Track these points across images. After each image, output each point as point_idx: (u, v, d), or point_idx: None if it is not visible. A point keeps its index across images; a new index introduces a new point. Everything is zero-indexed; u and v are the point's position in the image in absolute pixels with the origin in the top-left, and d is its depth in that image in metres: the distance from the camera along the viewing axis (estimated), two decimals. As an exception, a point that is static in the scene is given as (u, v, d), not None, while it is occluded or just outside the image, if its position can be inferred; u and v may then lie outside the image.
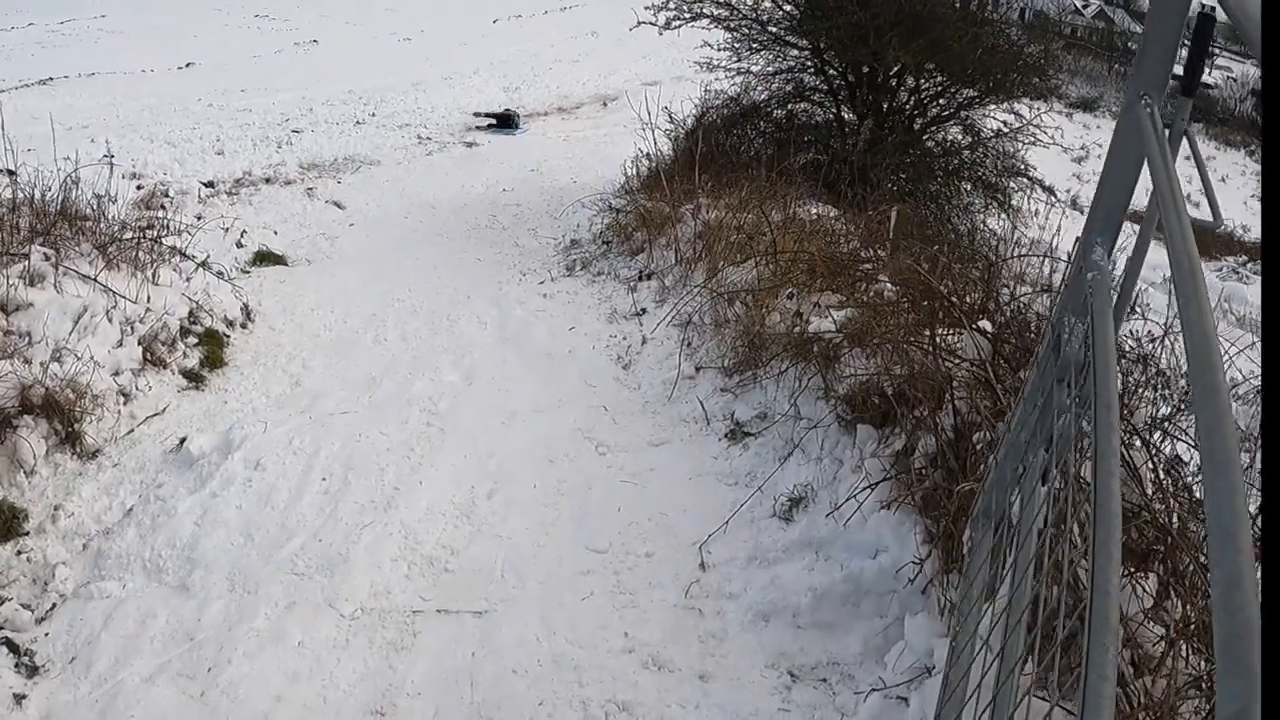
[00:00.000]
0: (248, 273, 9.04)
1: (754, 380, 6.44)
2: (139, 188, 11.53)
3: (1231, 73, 47.56)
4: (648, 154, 11.62)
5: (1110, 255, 2.56)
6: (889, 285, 6.64)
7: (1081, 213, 18.67)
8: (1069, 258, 6.10)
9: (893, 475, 4.79)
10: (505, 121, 17.65)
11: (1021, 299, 5.65)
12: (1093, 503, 1.87)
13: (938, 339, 5.05)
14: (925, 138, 12.94)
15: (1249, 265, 21.26)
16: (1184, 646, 3.05)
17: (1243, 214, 24.72)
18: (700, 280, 7.87)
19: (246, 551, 4.90)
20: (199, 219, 9.98)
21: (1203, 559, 3.53)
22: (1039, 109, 13.02)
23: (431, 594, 4.68)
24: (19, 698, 4.05)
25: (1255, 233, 23.60)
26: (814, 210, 9.27)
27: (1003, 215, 12.75)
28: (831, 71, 12.51)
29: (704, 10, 12.43)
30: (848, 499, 4.80)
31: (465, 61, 25.19)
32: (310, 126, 16.12)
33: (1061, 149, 14.58)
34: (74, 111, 16.07)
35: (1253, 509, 1.27)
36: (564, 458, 5.93)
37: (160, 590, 4.66)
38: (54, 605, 4.58)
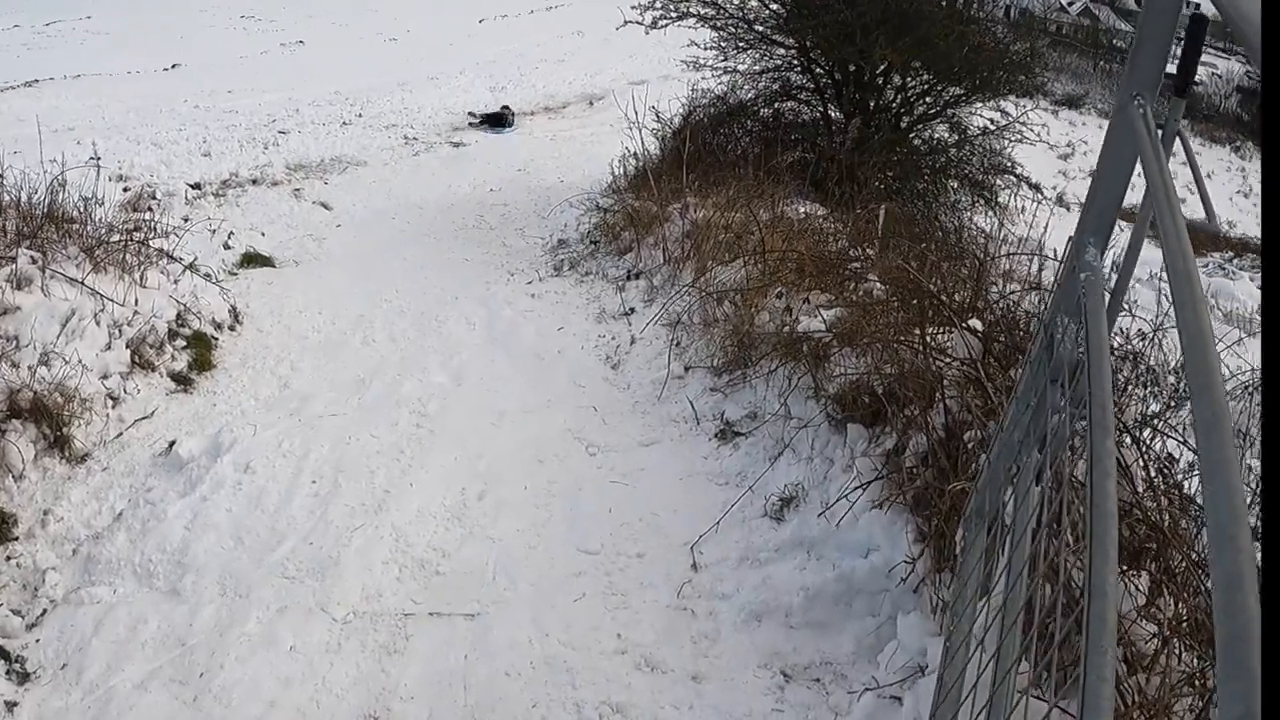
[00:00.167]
0: (235, 275, 9.01)
1: (743, 380, 6.44)
2: (125, 190, 11.47)
3: (1216, 69, 47.69)
4: (635, 153, 11.61)
5: (1103, 255, 2.56)
6: (878, 284, 6.64)
7: (1068, 210, 18.79)
8: (1055, 255, 6.12)
9: (884, 474, 4.79)
10: (498, 120, 17.69)
11: (1011, 297, 5.65)
12: (1089, 502, 1.88)
13: (928, 338, 5.05)
14: (912, 136, 12.95)
15: (1235, 261, 21.33)
16: (1177, 644, 3.05)
17: (1228, 210, 24.81)
18: (688, 280, 7.87)
19: (237, 555, 4.89)
20: (186, 221, 9.97)
21: (1195, 556, 3.54)
22: (1025, 106, 13.04)
23: (423, 597, 4.68)
24: (10, 705, 4.03)
25: (1241, 229, 23.71)
26: (802, 209, 9.27)
27: (990, 213, 12.77)
28: (818, 70, 12.51)
29: (690, 9, 12.42)
30: (839, 498, 4.81)
31: (451, 61, 25.10)
32: (297, 127, 16.06)
33: (1048, 146, 14.57)
34: (60, 113, 16.00)
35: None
36: (554, 458, 5.93)
37: (151, 595, 4.65)
38: (44, 611, 4.57)
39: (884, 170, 12.40)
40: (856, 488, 4.76)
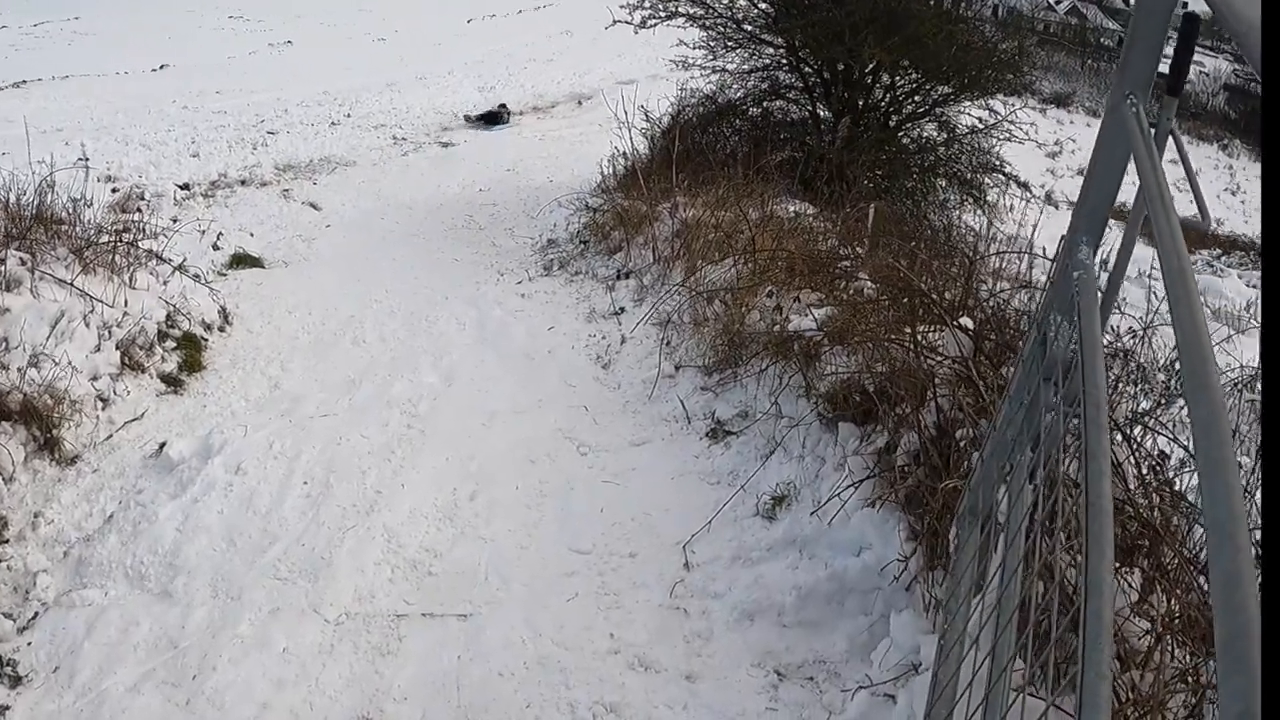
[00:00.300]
0: (225, 275, 8.99)
1: (734, 379, 6.44)
2: (114, 191, 11.45)
3: (1204, 67, 47.83)
4: (624, 153, 11.61)
5: (1096, 254, 2.57)
6: (868, 283, 6.65)
7: (1056, 208, 18.82)
8: (1045, 253, 6.13)
9: (875, 473, 4.80)
10: (494, 118, 17.78)
11: (1001, 295, 5.67)
12: (1084, 501, 1.88)
13: (919, 336, 5.05)
14: (901, 134, 12.98)
15: (1223, 259, 21.40)
16: (1169, 641, 3.06)
17: (1215, 207, 24.88)
18: (679, 279, 7.87)
19: (229, 557, 4.88)
20: (175, 222, 9.95)
21: (1186, 553, 3.55)
22: (1013, 105, 13.08)
23: (416, 597, 4.67)
24: (2, 709, 4.02)
25: (1229, 227, 23.78)
26: (791, 208, 9.28)
27: (978, 211, 12.80)
28: (807, 69, 12.53)
29: (679, 9, 12.43)
30: (831, 497, 4.81)
31: (440, 61, 25.13)
32: (285, 128, 16.05)
33: (1036, 144, 14.60)
34: (48, 114, 15.98)
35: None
36: (545, 458, 5.92)
37: (143, 597, 4.63)
38: (36, 614, 4.55)
39: (873, 169, 12.42)
40: (848, 486, 4.77)
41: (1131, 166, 2.24)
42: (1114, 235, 2.80)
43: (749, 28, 12.64)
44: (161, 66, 23.13)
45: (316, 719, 4.00)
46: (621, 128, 11.41)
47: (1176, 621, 3.16)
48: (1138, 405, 4.80)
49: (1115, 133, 2.41)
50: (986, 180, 13.11)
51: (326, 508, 5.27)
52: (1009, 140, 12.81)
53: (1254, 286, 17.00)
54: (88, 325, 6.22)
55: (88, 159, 9.65)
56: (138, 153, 13.67)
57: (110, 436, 5.93)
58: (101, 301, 6.40)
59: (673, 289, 7.68)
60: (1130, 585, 3.28)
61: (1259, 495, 1.16)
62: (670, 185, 9.71)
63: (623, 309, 8.08)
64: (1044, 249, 6.40)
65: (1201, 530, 3.83)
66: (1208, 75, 47.99)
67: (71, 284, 6.30)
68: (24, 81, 19.77)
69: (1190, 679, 2.98)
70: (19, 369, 5.66)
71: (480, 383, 6.87)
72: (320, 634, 4.40)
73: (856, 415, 5.31)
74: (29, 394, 5.56)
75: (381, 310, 8.22)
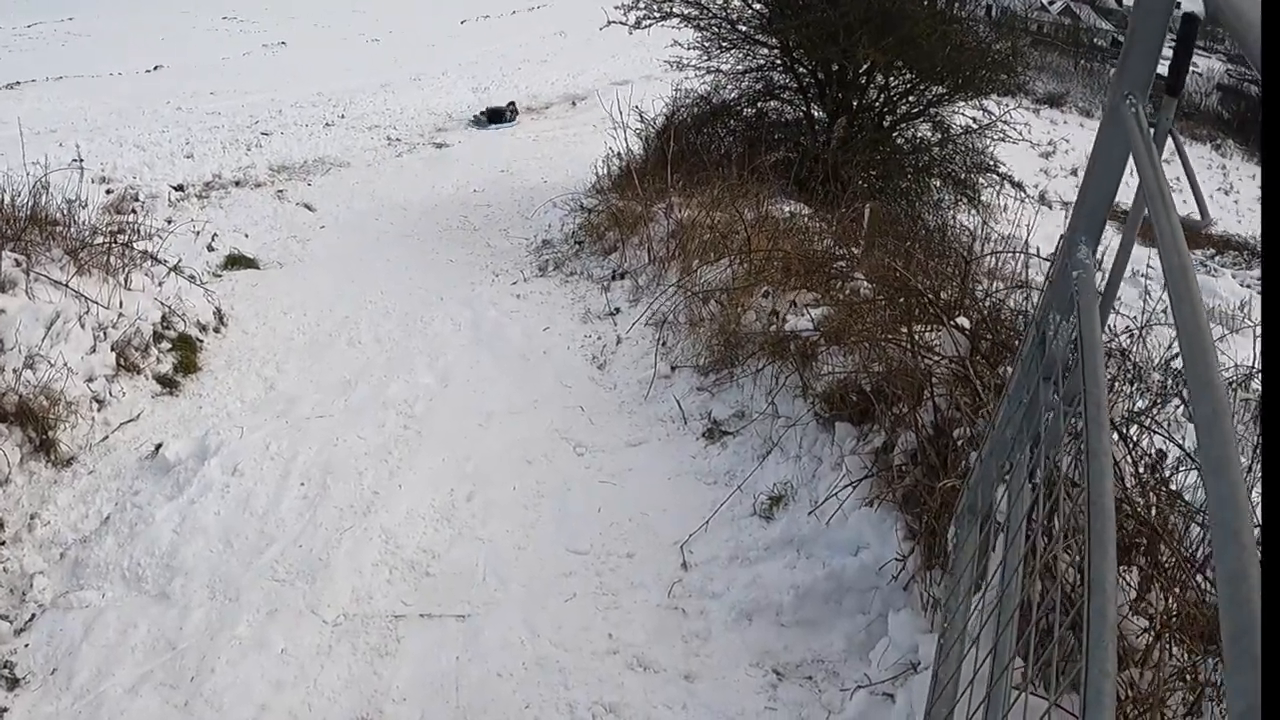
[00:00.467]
0: (219, 276, 8.99)
1: (730, 379, 6.45)
2: (109, 192, 11.43)
3: (1197, 68, 47.88)
4: (619, 153, 11.61)
5: (1094, 253, 2.57)
6: (864, 283, 6.66)
7: (1050, 208, 18.83)
8: (1040, 253, 6.14)
9: (873, 472, 4.80)
10: (498, 115, 17.92)
11: (997, 295, 5.67)
12: (1086, 499, 1.88)
13: (915, 336, 5.06)
14: (895, 135, 12.99)
15: (1216, 258, 21.44)
16: (1168, 639, 3.07)
17: (1209, 207, 24.90)
18: (674, 279, 7.87)
19: (226, 558, 4.87)
20: (169, 223, 9.95)
21: (1184, 551, 3.56)
22: (1007, 105, 13.08)
23: (414, 598, 4.67)
24: (0, 711, 4.02)
25: (1222, 226, 23.82)
26: (786, 208, 9.28)
27: (973, 211, 12.82)
28: (801, 70, 12.54)
29: (674, 9, 12.44)
30: (828, 497, 4.81)
31: (434, 62, 25.11)
32: (279, 129, 16.04)
33: (1029, 145, 14.61)
34: (42, 115, 15.95)
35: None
36: (542, 459, 5.92)
37: (140, 599, 4.63)
38: (33, 616, 4.55)
39: (867, 169, 12.43)
40: (846, 486, 4.77)
41: (1130, 166, 2.24)
42: (1109, 235, 2.81)
43: (743, 28, 12.64)
44: (156, 67, 23.09)
45: (315, 720, 4.00)
46: (616, 128, 11.41)
47: (1174, 619, 3.17)
48: (1133, 404, 4.81)
49: (1114, 132, 2.42)
50: (981, 180, 13.12)
51: (323, 509, 5.26)
52: (1003, 140, 12.82)
53: (1248, 286, 17.04)
54: (83, 326, 6.22)
55: (82, 160, 9.60)
56: (132, 154, 13.65)
57: (106, 438, 5.92)
58: (96, 303, 6.39)
59: (668, 289, 7.67)
60: (1128, 583, 3.29)
61: (1257, 494, 1.16)
62: (665, 186, 9.71)
63: (618, 309, 8.08)
64: (1038, 249, 6.41)
65: (1199, 529, 3.84)
66: (1201, 75, 48.08)
67: (66, 285, 6.29)
68: (18, 82, 19.72)
69: (1189, 677, 2.98)
70: (14, 370, 5.65)
71: (476, 383, 6.87)
72: (318, 635, 4.40)
73: (853, 415, 5.31)
74: (25, 395, 5.56)
75: (376, 311, 8.22)
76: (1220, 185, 32.19)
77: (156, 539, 4.99)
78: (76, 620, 4.49)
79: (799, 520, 4.92)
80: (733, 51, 12.82)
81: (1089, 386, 2.09)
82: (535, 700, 4.07)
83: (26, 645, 4.38)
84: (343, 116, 17.46)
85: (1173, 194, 1.89)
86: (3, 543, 4.96)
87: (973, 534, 3.34)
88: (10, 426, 5.45)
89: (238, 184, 12.79)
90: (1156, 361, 5.69)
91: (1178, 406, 5.09)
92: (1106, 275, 2.62)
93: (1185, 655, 3.07)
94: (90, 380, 6.12)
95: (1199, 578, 3.43)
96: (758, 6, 12.55)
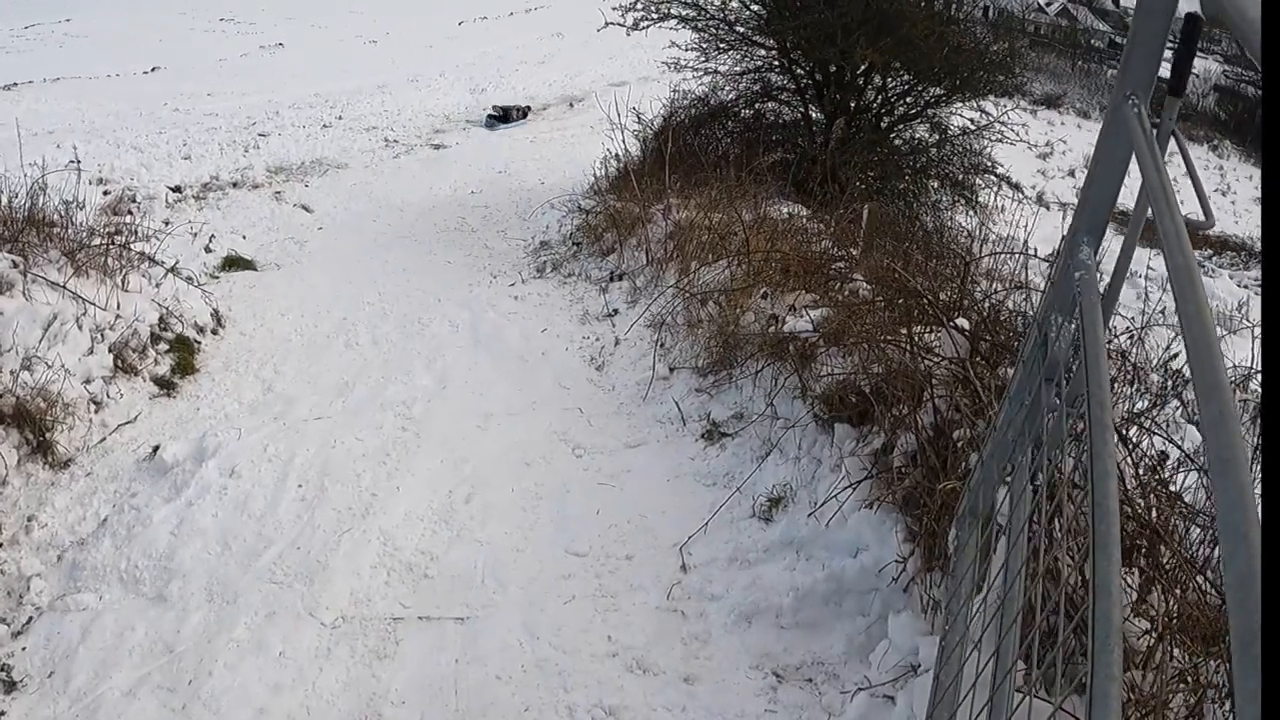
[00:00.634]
0: (217, 278, 8.97)
1: (729, 380, 6.44)
2: (106, 193, 11.42)
3: (1194, 69, 47.92)
4: (616, 154, 11.61)
5: (1097, 254, 2.57)
6: (863, 284, 6.65)
7: (1048, 209, 18.84)
8: (1038, 254, 6.13)
9: (872, 474, 4.79)
10: (505, 116, 18.15)
11: (996, 296, 5.66)
12: (1090, 501, 1.87)
13: (915, 337, 5.05)
14: (893, 136, 13.00)
15: (1214, 259, 21.46)
16: (1169, 640, 3.06)
17: (1211, 208, 24.95)
18: (672, 280, 7.86)
19: (224, 561, 4.86)
20: (167, 224, 9.93)
21: (1185, 553, 3.55)
22: (1004, 106, 13.10)
23: (412, 601, 4.66)
24: (-3, 713, 4.01)
25: (1220, 227, 23.81)
26: (784, 209, 9.28)
27: (970, 212, 12.83)
28: (799, 71, 12.54)
29: (671, 10, 12.44)
30: (828, 498, 4.80)
31: (431, 64, 25.12)
32: (277, 130, 16.03)
33: (1027, 146, 14.63)
34: (39, 117, 15.93)
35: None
36: (540, 460, 5.92)
37: (138, 601, 4.61)
38: (30, 619, 4.53)
39: (865, 170, 12.44)
40: (845, 487, 4.76)
41: (1133, 167, 2.24)
42: (1107, 236, 2.80)
43: (741, 29, 12.65)
44: (153, 69, 23.08)
45: (314, 723, 3.99)
46: (613, 130, 11.41)
47: (1176, 621, 3.16)
48: (1133, 406, 4.81)
49: (1116, 133, 2.41)
50: (978, 181, 13.14)
51: (321, 511, 5.25)
52: (1000, 141, 12.85)
53: (1246, 287, 17.05)
54: (80, 328, 6.20)
55: (79, 161, 9.57)
56: (129, 155, 13.64)
57: (103, 440, 5.91)
58: (94, 304, 6.38)
59: (666, 291, 7.67)
60: (1130, 586, 3.28)
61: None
62: (663, 187, 9.70)
63: (616, 311, 8.08)
64: (1036, 250, 6.41)
65: (1199, 530, 3.84)
66: (1198, 77, 48.13)
67: (64, 286, 6.27)
68: (15, 84, 19.71)
69: (1190, 679, 2.97)
70: (12, 372, 5.64)
71: (474, 385, 6.86)
72: (317, 638, 4.39)
73: (853, 416, 5.30)
74: (22, 397, 5.54)
75: (374, 312, 8.21)
76: (1217, 186, 32.27)
77: (154, 541, 4.98)
78: (74, 623, 4.48)
79: (798, 522, 4.92)
80: (730, 53, 12.85)
81: (1091, 388, 2.08)
82: (534, 703, 4.06)
83: (24, 648, 4.36)
84: (340, 118, 17.46)
85: (1176, 195, 1.88)
86: (0, 545, 4.95)
87: (974, 536, 3.33)
88: (7, 428, 5.43)
89: (235, 185, 12.78)
90: (1155, 363, 5.68)
91: (1177, 408, 5.09)
92: (1108, 276, 2.61)
93: (1187, 657, 3.06)
94: (88, 382, 6.11)
95: (1200, 579, 3.42)
96: (755, 8, 12.55)
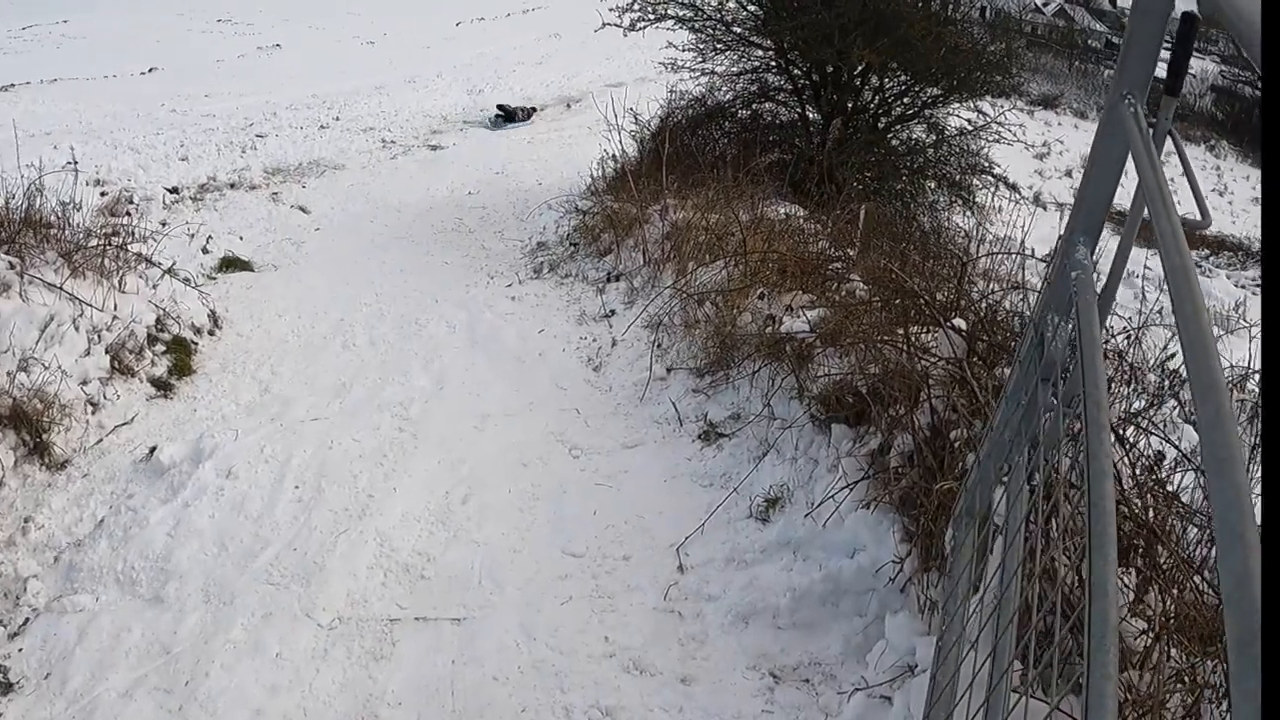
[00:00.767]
0: (214, 279, 8.97)
1: (726, 381, 6.44)
2: (103, 194, 11.40)
3: (1191, 69, 47.95)
4: (613, 155, 11.61)
5: (1093, 254, 2.57)
6: (860, 284, 6.65)
7: (1045, 209, 18.85)
8: (1035, 254, 6.14)
9: (869, 474, 4.79)
10: (510, 116, 18.28)
11: (993, 296, 5.66)
12: (1087, 501, 1.87)
13: (911, 337, 5.05)
14: (890, 136, 13.00)
15: (1211, 259, 21.48)
16: (1166, 640, 3.06)
17: (1208, 208, 24.97)
18: (669, 281, 7.86)
19: (221, 562, 4.86)
20: (164, 225, 9.90)
21: (1182, 553, 3.55)
22: (1001, 107, 13.10)
23: (409, 602, 4.65)
24: (-6, 715, 4.01)
25: (1217, 227, 23.85)
26: (781, 210, 9.27)
27: (968, 212, 12.83)
28: (796, 71, 12.55)
29: (668, 11, 12.44)
30: (825, 499, 4.80)
31: (428, 65, 25.09)
32: (274, 131, 16.02)
33: (1024, 146, 14.64)
34: (36, 118, 15.90)
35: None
36: (537, 461, 5.91)
37: (134, 603, 4.61)
38: (26, 620, 4.53)
39: (862, 171, 12.45)
40: (842, 488, 4.76)
41: (1129, 167, 2.24)
42: (1104, 236, 2.80)
43: (738, 30, 12.65)
44: (150, 70, 23.05)
45: (310, 724, 3.99)
46: (610, 130, 11.41)
47: (1173, 621, 3.16)
48: (1130, 405, 4.81)
49: (1113, 133, 2.41)
50: (975, 182, 13.14)
51: (318, 512, 5.25)
52: (997, 142, 12.84)
53: (1243, 287, 17.05)
54: (77, 329, 6.20)
55: (76, 162, 9.57)
56: (126, 156, 13.62)
57: (100, 441, 5.90)
58: (91, 305, 6.37)
59: (663, 291, 7.68)
60: (1127, 585, 3.28)
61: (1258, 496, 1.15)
62: (660, 187, 9.70)
63: (613, 311, 8.07)
64: (1033, 250, 6.41)
65: (1196, 530, 3.84)
66: (1195, 77, 48.18)
67: (61, 288, 6.27)
68: (12, 85, 19.68)
69: (1187, 679, 2.97)
70: (8, 373, 5.63)
71: (471, 386, 6.85)
72: (313, 639, 4.39)
73: (849, 417, 5.30)
74: (18, 398, 5.54)
75: (371, 313, 8.21)
76: (1215, 186, 32.26)
77: (151, 542, 4.97)
78: (70, 624, 4.47)
79: (795, 522, 4.92)
80: (727, 53, 12.84)
81: (1088, 388, 2.08)
82: (531, 704, 4.06)
83: (20, 649, 4.35)
84: (338, 119, 17.45)
85: (1172, 194, 1.88)
86: (-4, 546, 4.95)
87: (970, 536, 3.33)
88: (4, 430, 5.43)
89: (232, 186, 12.78)
90: (1152, 362, 5.68)
91: (1174, 408, 5.09)
92: (1104, 276, 2.61)
93: (1184, 657, 3.06)
94: (84, 383, 6.10)
95: (1197, 579, 3.42)
96: (752, 8, 12.55)
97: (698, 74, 13.01)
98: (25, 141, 9.39)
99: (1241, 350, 5.71)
